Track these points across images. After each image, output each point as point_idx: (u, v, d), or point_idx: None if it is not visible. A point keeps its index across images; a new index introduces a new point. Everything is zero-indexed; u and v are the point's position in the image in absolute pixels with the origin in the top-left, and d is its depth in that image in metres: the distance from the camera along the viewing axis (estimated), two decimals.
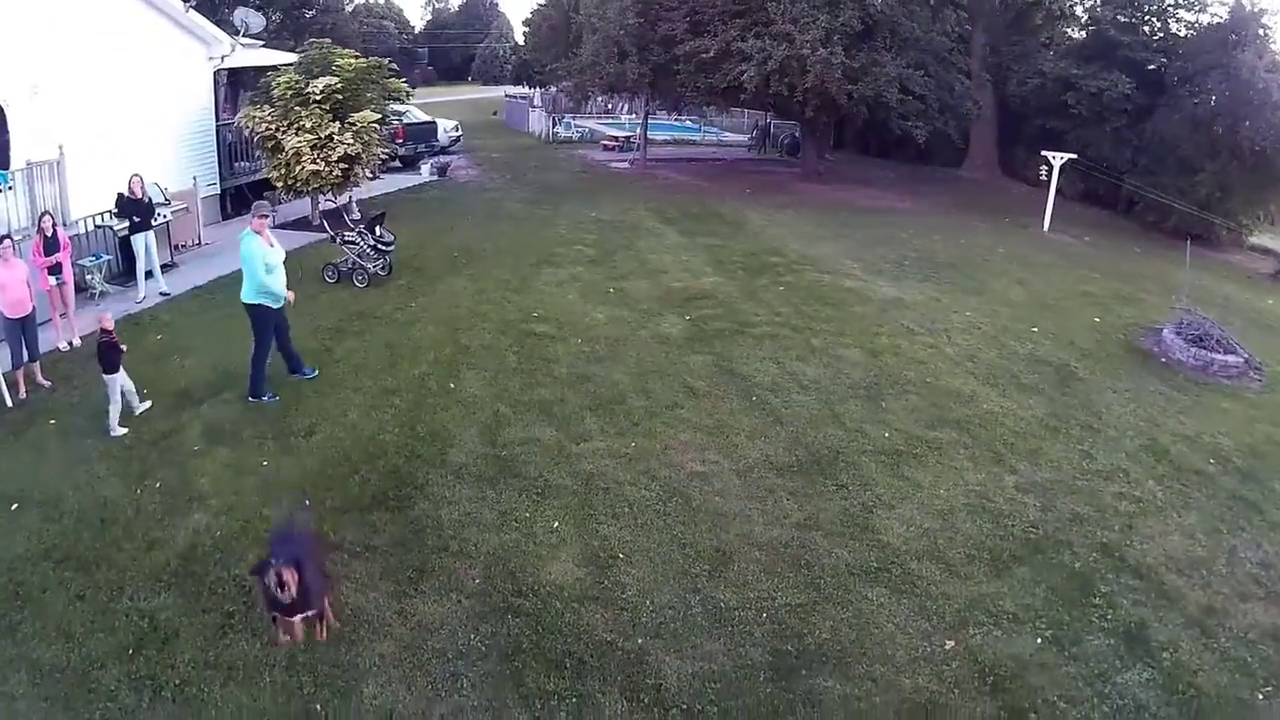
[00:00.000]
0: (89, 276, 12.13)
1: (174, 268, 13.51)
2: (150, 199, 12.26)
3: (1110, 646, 6.23)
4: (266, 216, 9.12)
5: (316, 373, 9.64)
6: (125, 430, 8.46)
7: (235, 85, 17.40)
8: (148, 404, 8.91)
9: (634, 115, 30.82)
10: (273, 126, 15.01)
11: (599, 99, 31.77)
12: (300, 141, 14.72)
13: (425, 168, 22.71)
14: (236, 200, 16.84)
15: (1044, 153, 22.57)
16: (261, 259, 8.80)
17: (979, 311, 14.29)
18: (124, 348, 8.60)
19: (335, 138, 14.98)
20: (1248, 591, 7.06)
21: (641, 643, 5.86)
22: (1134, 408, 10.91)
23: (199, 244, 14.77)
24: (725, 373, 10.56)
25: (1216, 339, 13.82)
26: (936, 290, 15.32)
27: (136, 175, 11.98)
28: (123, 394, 8.56)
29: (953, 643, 6.09)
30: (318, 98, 14.93)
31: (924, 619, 6.35)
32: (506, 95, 43.01)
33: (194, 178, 14.82)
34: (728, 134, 36.16)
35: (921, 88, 21.11)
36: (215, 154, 16.22)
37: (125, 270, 12.68)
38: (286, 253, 9.48)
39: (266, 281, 8.84)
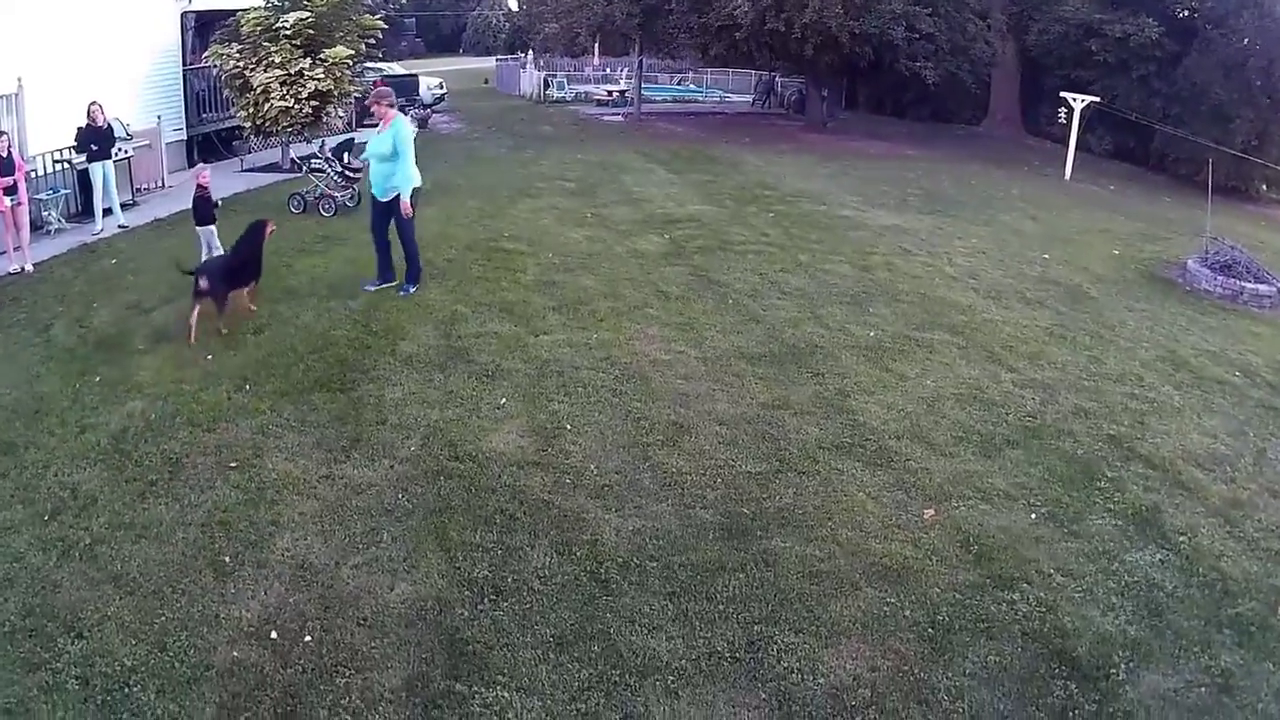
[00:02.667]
0: (46, 213, 12.33)
1: (134, 206, 13.72)
2: (110, 127, 12.47)
3: (1117, 527, 5.97)
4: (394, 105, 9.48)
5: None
6: None
7: (204, 31, 17.64)
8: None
9: (632, 79, 30.89)
10: (241, 64, 15.21)
11: (595, 62, 31.92)
12: (269, 78, 14.93)
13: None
14: (204, 148, 17.06)
15: (1064, 94, 22.43)
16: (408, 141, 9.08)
17: (985, 240, 14.30)
18: (218, 201, 10.16)
19: (306, 74, 15.18)
20: (1279, 489, 6.73)
21: (581, 502, 5.91)
22: (1151, 325, 10.89)
23: (163, 186, 14.98)
24: (702, 280, 10.65)
25: (1246, 266, 13.70)
26: (940, 220, 15.33)
27: (95, 103, 12.21)
28: (208, 248, 9.82)
29: (932, 512, 6.00)
30: (288, 33, 15.13)
31: (900, 490, 6.28)
32: (498, 60, 43.25)
33: (158, 117, 15.04)
34: (732, 96, 36.20)
35: (930, 27, 21.08)
36: (181, 98, 16.46)
37: (84, 209, 12.89)
38: (253, 191, 9.84)
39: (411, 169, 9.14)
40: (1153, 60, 25.66)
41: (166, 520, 5.62)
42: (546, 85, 32.81)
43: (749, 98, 34.81)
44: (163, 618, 4.74)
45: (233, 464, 6.25)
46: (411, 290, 9.70)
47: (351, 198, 13.44)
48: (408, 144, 9.17)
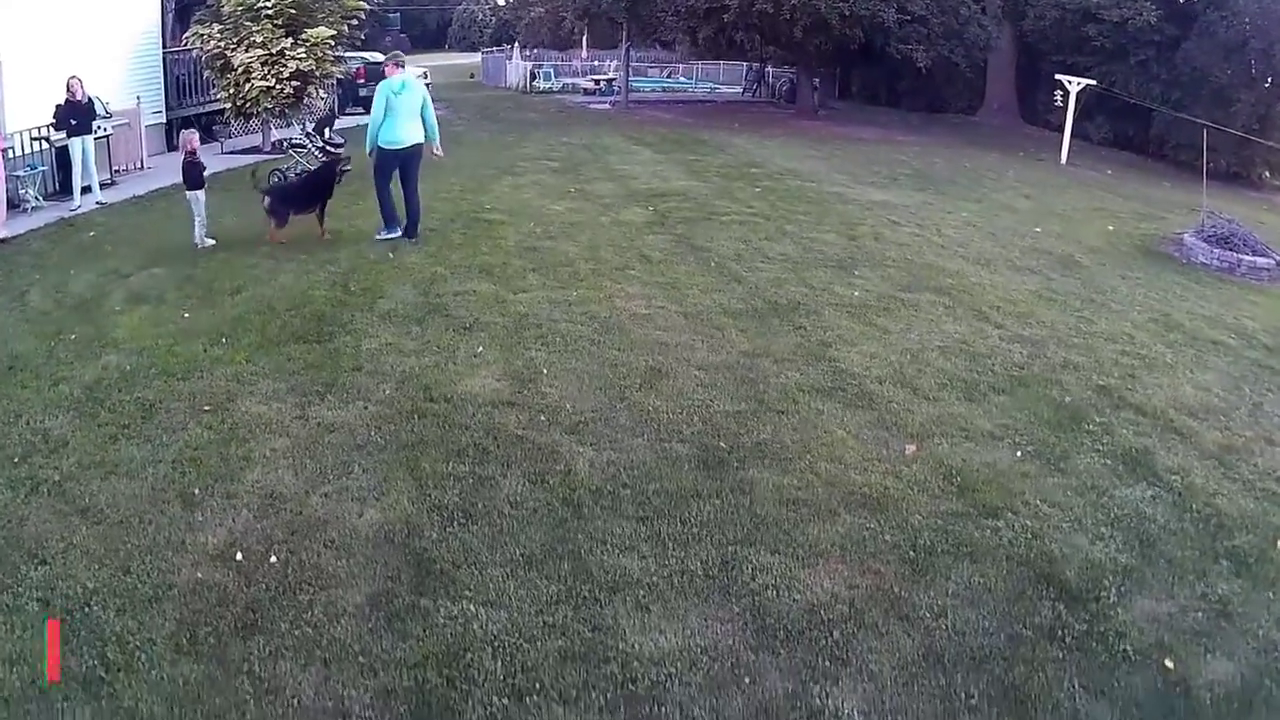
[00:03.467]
0: (23, 191, 12.33)
1: (112, 186, 13.75)
2: (90, 102, 12.50)
3: (1106, 466, 5.96)
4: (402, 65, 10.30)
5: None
6: (214, 241, 10.18)
7: (185, 15, 17.70)
8: (211, 242, 10.21)
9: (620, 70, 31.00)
10: (222, 44, 15.25)
11: (583, 54, 32.05)
12: (250, 57, 14.98)
13: None
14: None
15: (1059, 76, 22.52)
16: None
17: (976, 215, 14.37)
18: (205, 166, 10.42)
19: (287, 53, 15.22)
20: (1276, 438, 6.69)
21: (556, 437, 5.93)
22: (1144, 291, 10.95)
23: (141, 168, 15.00)
24: (685, 246, 10.70)
25: (1244, 239, 13.74)
26: (931, 197, 15.41)
27: (75, 77, 12.25)
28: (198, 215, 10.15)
29: (914, 447, 6.01)
30: (269, 12, 15.18)
31: (881, 429, 6.30)
32: (483, 53, 43.31)
33: (137, 98, 15.08)
34: (723, 88, 36.33)
35: (922, 9, 21.19)
36: (161, 81, 16.49)
37: (62, 187, 12.90)
38: (233, 170, 10.12)
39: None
40: (1151, 45, 25.76)
41: (137, 459, 5.63)
42: (533, 77, 32.91)
43: (739, 89, 34.96)
44: (128, 545, 4.75)
45: (206, 408, 6.27)
46: (382, 236, 10.38)
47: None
48: (376, 102, 10.14)
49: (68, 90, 12.10)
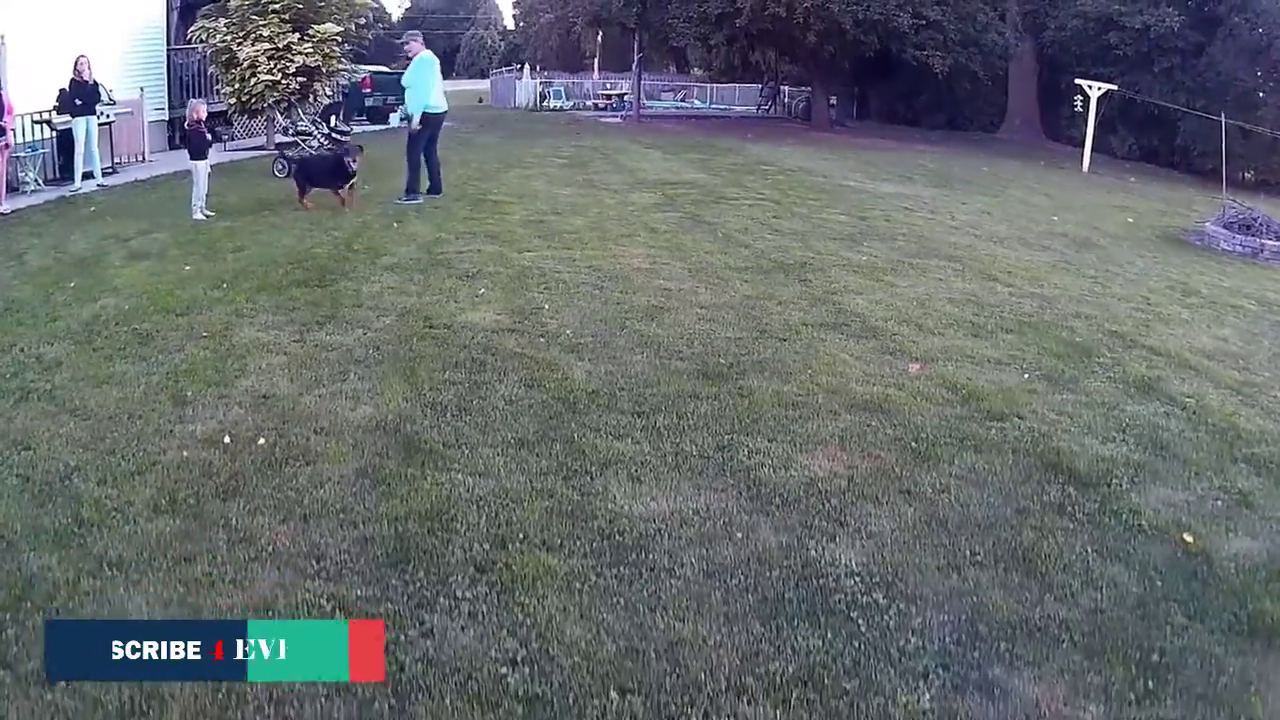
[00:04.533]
0: (22, 174, 12.61)
1: (114, 173, 14.03)
2: (96, 84, 12.81)
3: (1118, 389, 5.98)
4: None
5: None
6: (212, 214, 10.37)
7: (189, 14, 18.16)
8: (210, 214, 10.42)
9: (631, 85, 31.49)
10: (228, 39, 15.64)
11: (595, 76, 32.59)
12: (256, 51, 15.35)
13: (394, 116, 23.38)
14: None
15: (1078, 81, 22.74)
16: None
17: (991, 205, 14.52)
18: (210, 136, 10.88)
19: (294, 48, 15.59)
20: None
21: (555, 355, 6.04)
22: (1163, 267, 11.04)
23: (143, 160, 15.32)
24: (693, 220, 10.87)
25: (1266, 224, 13.78)
26: (946, 191, 15.57)
27: (83, 56, 12.57)
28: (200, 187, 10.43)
29: (918, 365, 6.10)
30: (276, 7, 15.59)
31: (885, 354, 6.39)
32: (493, 74, 44.02)
33: (140, 89, 15.45)
34: (737, 108, 36.77)
35: (938, 14, 21.53)
36: (164, 77, 16.88)
37: (62, 172, 13.17)
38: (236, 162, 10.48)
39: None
40: (1175, 52, 25.98)
41: (131, 373, 5.75)
42: (543, 97, 33.46)
43: (754, 109, 35.35)
44: (115, 434, 4.84)
45: (204, 334, 6.42)
46: (403, 202, 11.00)
47: None
48: (415, 74, 11.29)
49: (75, 69, 12.44)
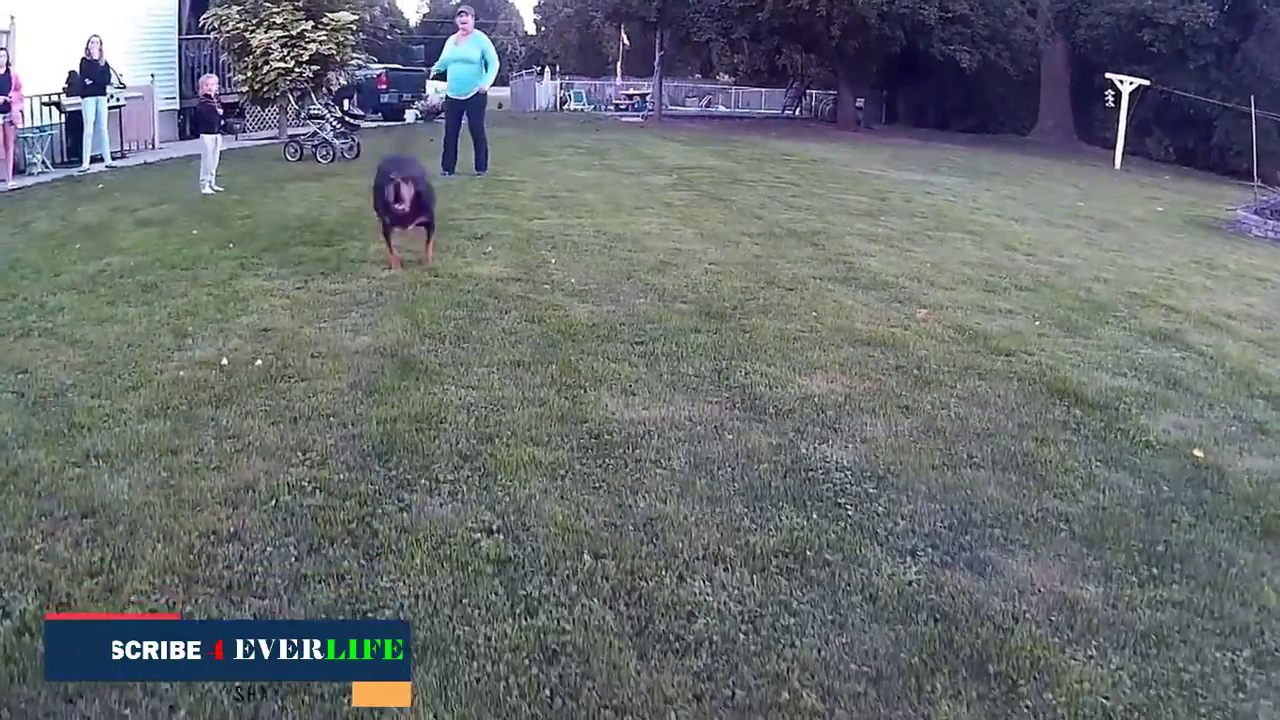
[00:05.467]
0: (30, 155, 12.88)
1: (123, 158, 14.29)
2: (107, 64, 13.09)
3: (1133, 337, 5.99)
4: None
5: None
6: (221, 189, 10.53)
7: (200, 7, 18.45)
8: (220, 189, 10.59)
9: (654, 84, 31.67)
10: (240, 26, 15.92)
11: (618, 81, 32.87)
12: (269, 38, 15.61)
13: (410, 114, 23.73)
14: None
15: (1109, 75, 22.70)
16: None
17: (1017, 192, 14.49)
18: (220, 111, 11.05)
19: (308, 35, 15.84)
20: None
21: (558, 299, 6.13)
22: (1190, 245, 10.96)
23: (153, 147, 15.59)
24: (707, 198, 10.97)
25: None
26: (970, 180, 15.57)
27: (95, 36, 12.85)
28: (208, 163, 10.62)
29: (926, 311, 6.17)
30: None
31: (893, 302, 6.47)
32: (512, 77, 44.39)
33: (151, 75, 15.77)
34: (763, 110, 36.91)
35: (966, 8, 21.59)
36: (175, 66, 17.19)
37: (69, 155, 13.42)
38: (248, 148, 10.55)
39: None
40: (1210, 49, 25.89)
41: (133, 314, 5.89)
42: (563, 100, 33.74)
43: (779, 111, 35.46)
44: (113, 359, 4.97)
45: (208, 284, 6.56)
46: (481, 174, 11.69)
47: (350, 148, 13.92)
48: (493, 49, 11.83)
49: (86, 48, 12.72)
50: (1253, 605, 2.95)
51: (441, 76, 12.32)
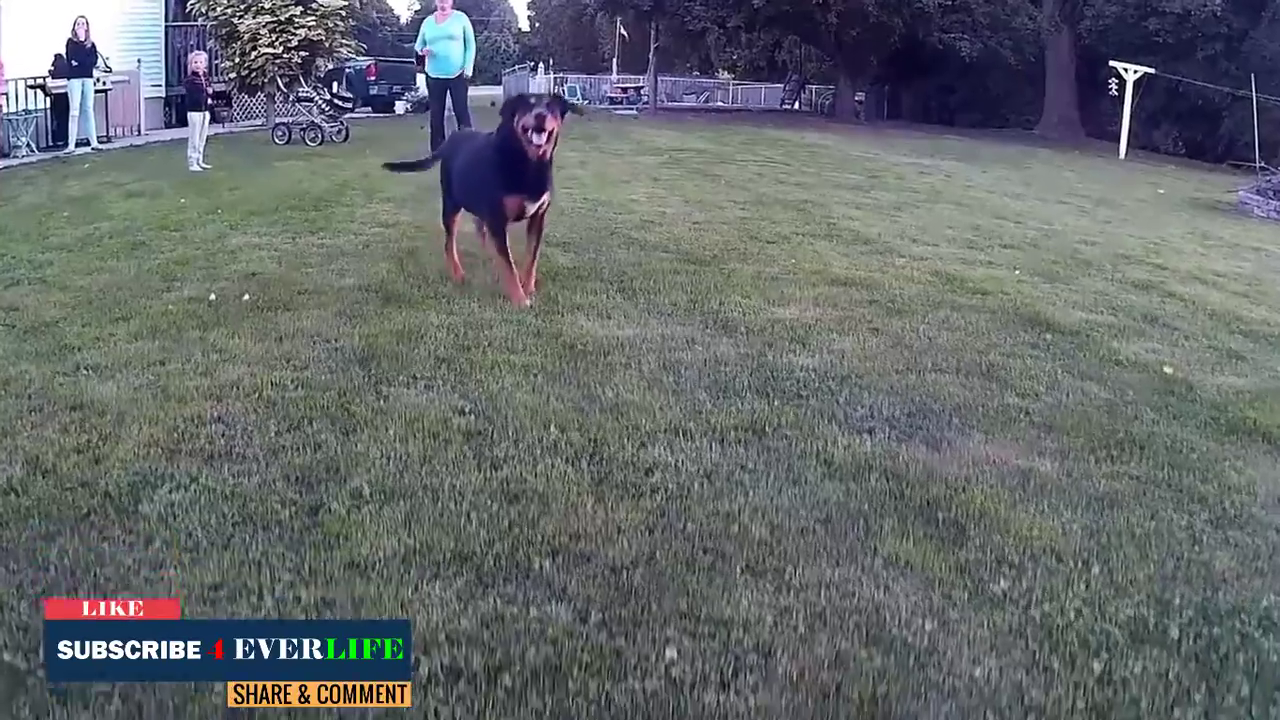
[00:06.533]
0: (14, 138, 13.14)
1: (108, 143, 14.55)
2: (94, 45, 13.37)
3: (1117, 286, 6.20)
4: None
5: None
6: (209, 166, 10.75)
7: None
8: (207, 167, 10.82)
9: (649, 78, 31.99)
10: (228, 11, 16.22)
11: (613, 77, 33.20)
12: (258, 24, 15.91)
13: (400, 105, 24.04)
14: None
15: (1113, 63, 22.98)
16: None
17: (1013, 175, 14.73)
18: (210, 90, 11.09)
19: (296, 21, 16.13)
20: None
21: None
22: (1188, 221, 11.19)
23: (139, 133, 15.85)
24: (697, 174, 11.24)
25: None
26: (967, 163, 15.81)
27: (82, 17, 13.13)
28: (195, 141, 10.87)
29: (905, 259, 6.44)
30: None
31: (873, 254, 6.71)
32: (504, 74, 44.67)
33: (138, 60, 16.06)
34: (761, 106, 37.22)
35: None
36: (162, 54, 17.46)
37: (55, 137, 13.68)
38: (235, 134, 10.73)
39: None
40: (1218, 38, 26.13)
41: (122, 267, 6.13)
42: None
43: (778, 105, 35.80)
44: (103, 300, 5.20)
45: (196, 242, 6.81)
46: None
47: (339, 131, 14.20)
48: (471, 30, 12.03)
49: (72, 31, 13.01)
50: (1214, 482, 3.13)
51: (420, 60, 12.50)
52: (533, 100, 4.82)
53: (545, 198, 4.98)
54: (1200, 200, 14.43)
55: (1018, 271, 6.42)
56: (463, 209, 5.48)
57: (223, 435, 3.18)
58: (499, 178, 4.84)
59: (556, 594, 2.19)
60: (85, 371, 3.94)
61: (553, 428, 3.18)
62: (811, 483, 2.85)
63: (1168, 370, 4.34)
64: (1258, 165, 15.04)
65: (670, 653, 1.97)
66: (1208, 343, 5.01)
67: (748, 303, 5.00)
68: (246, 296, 5.07)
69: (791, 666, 1.95)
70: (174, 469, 2.93)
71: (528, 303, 4.83)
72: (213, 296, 5.10)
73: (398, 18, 50.12)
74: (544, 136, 4.58)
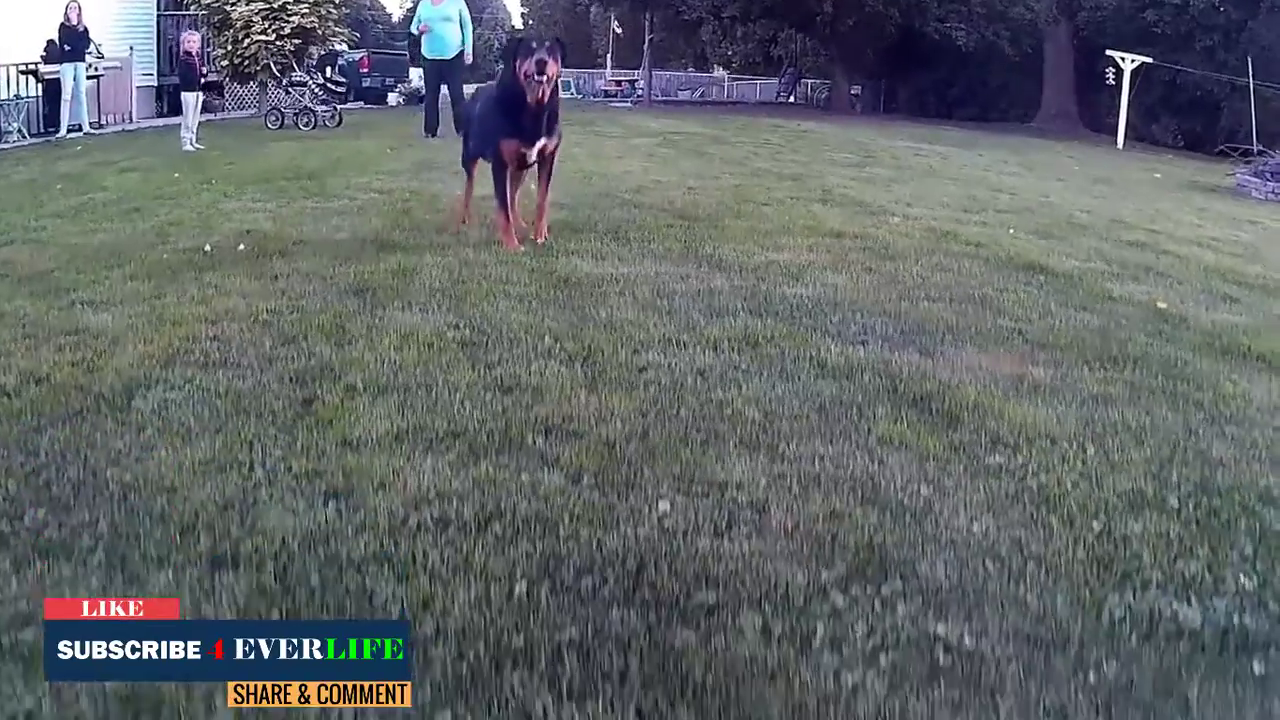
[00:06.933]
0: (6, 124, 13.16)
1: (100, 129, 14.56)
2: (86, 29, 13.40)
3: (1111, 245, 6.24)
4: None
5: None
6: (202, 145, 10.69)
7: None
8: (200, 146, 10.78)
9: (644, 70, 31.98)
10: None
11: (608, 74, 33.26)
12: (251, 10, 15.94)
13: (393, 96, 24.10)
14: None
15: (1109, 52, 23.06)
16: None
17: (1009, 158, 14.78)
18: (204, 70, 10.98)
19: (289, 9, 16.17)
20: None
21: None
22: (1183, 199, 11.24)
23: (130, 121, 15.86)
24: (691, 153, 11.28)
25: None
26: (965, 150, 15.86)
27: (74, 1, 13.13)
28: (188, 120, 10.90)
29: (899, 218, 6.51)
30: None
31: (867, 215, 6.76)
32: (497, 66, 44.77)
33: (130, 47, 16.08)
34: (757, 100, 37.26)
35: None
36: (154, 42, 17.47)
37: (47, 123, 13.69)
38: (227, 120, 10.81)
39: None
40: (1217, 29, 26.24)
41: (118, 228, 6.17)
42: None
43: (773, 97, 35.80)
44: (98, 255, 5.23)
45: (192, 207, 6.87)
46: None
47: (332, 115, 14.24)
48: (468, 11, 12.23)
49: (65, 15, 13.04)
50: (1209, 390, 3.19)
51: (416, 43, 12.60)
52: (534, 44, 4.88)
53: (544, 142, 5.08)
54: (1198, 183, 14.49)
55: (1012, 230, 6.47)
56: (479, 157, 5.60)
57: (218, 350, 3.22)
58: (498, 122, 5.04)
59: (549, 463, 2.23)
60: (81, 306, 3.98)
61: (547, 338, 3.23)
62: (805, 380, 2.90)
63: (1161, 305, 4.40)
64: (1255, 149, 15.03)
65: (663, 505, 2.01)
66: (1202, 288, 5.08)
67: (742, 248, 5.05)
68: (242, 247, 5.12)
69: (786, 519, 1.99)
70: (168, 375, 2.97)
71: (521, 249, 4.86)
72: (208, 247, 5.14)
73: (389, 15, 50.19)
74: (544, 79, 4.68)
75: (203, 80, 11.58)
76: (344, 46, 18.51)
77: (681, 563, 1.78)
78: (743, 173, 9.09)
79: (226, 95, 18.45)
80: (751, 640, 1.54)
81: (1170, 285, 5.05)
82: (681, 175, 8.67)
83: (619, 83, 32.27)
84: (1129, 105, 22.98)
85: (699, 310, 3.69)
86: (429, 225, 5.74)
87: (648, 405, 2.63)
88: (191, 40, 11.18)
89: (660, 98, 30.01)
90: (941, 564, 1.87)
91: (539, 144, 5.03)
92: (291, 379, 2.86)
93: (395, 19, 48.10)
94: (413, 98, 23.80)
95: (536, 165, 5.22)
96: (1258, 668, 1.63)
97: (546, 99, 4.85)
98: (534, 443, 2.34)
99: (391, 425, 2.45)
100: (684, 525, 1.95)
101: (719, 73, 43.21)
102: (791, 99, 32.70)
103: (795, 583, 1.72)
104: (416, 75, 29.18)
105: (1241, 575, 1.93)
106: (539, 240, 5.02)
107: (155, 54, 17.58)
